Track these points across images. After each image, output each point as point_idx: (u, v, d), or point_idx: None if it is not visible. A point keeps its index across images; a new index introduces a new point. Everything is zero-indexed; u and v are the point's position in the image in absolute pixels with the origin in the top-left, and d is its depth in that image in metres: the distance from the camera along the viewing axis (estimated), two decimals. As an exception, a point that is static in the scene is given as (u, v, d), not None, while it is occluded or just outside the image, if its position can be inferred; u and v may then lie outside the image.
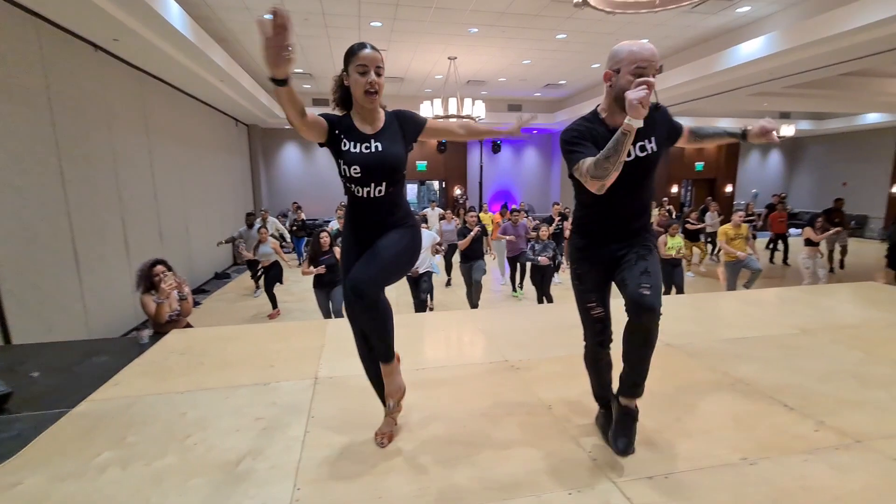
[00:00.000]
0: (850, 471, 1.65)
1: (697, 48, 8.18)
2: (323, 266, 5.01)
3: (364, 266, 1.66)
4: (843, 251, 9.05)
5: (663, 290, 6.23)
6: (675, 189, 16.20)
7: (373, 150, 1.67)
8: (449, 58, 8.95)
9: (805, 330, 3.19)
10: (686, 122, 1.86)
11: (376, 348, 1.77)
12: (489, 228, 11.20)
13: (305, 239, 10.59)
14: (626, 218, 1.67)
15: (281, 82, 1.38)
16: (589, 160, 1.49)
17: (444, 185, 15.77)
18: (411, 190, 19.71)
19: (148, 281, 3.36)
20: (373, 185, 1.68)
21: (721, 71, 7.49)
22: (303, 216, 10.54)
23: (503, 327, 3.29)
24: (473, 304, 6.17)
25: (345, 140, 1.67)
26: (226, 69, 7.15)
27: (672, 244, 6.38)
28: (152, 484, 1.59)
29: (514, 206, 11.98)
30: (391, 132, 1.72)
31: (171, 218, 7.32)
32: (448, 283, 8.06)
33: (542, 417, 2.05)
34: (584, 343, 1.84)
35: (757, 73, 7.49)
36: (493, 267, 7.95)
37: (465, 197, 14.68)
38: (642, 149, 1.59)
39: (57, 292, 4.48)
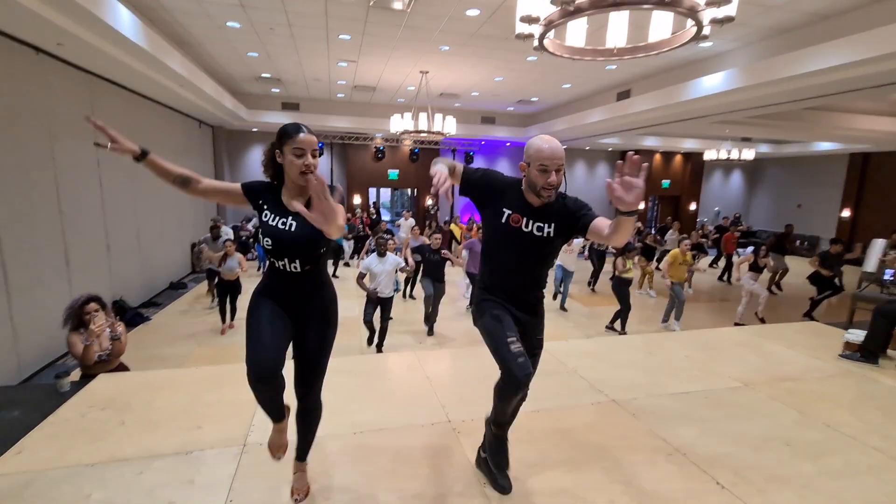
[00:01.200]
0: (770, 570, 1.65)
1: (663, 76, 8.36)
2: None
3: (304, 383, 1.80)
4: (783, 274, 9.47)
5: (624, 311, 6.48)
6: (641, 206, 16.55)
7: (287, 227, 1.67)
8: (421, 71, 8.86)
9: (747, 383, 3.25)
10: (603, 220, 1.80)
11: (300, 445, 1.95)
12: (459, 238, 11.24)
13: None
14: (517, 285, 1.85)
15: (136, 159, 1.61)
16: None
17: (415, 194, 15.64)
18: (384, 194, 19.54)
19: (77, 319, 3.14)
20: (286, 259, 1.69)
21: (685, 101, 7.67)
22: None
23: (450, 375, 3.23)
24: (428, 320, 6.18)
25: (266, 211, 1.72)
26: (185, 75, 6.83)
27: (630, 266, 6.56)
28: None
29: (478, 223, 12.02)
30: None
31: (120, 229, 6.95)
32: (407, 297, 8.01)
33: (473, 500, 1.98)
34: (499, 379, 1.84)
35: (718, 105, 7.71)
36: (462, 278, 7.90)
37: (436, 208, 14.60)
38: (539, 229, 1.77)
39: (-20, 317, 4.16)
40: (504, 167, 16.12)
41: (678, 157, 16.93)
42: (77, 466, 2.10)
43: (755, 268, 7.04)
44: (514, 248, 1.80)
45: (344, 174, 14.59)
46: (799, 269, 10.38)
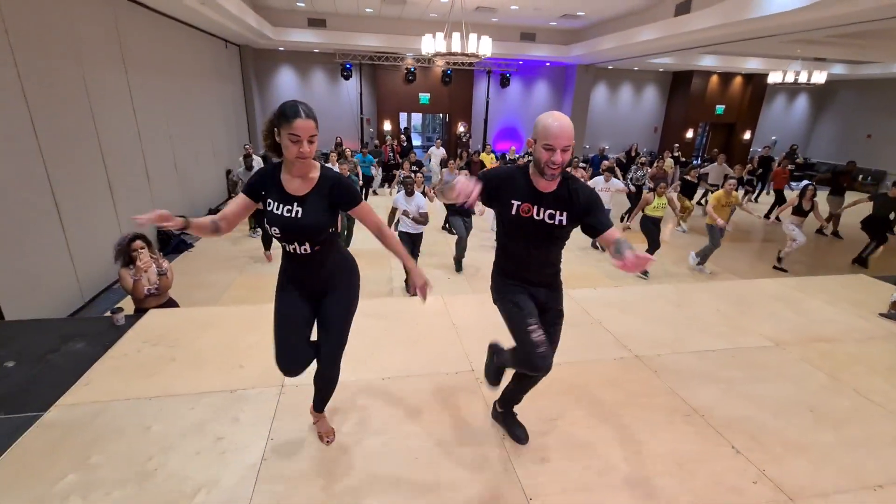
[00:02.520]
0: (774, 537, 1.73)
1: (732, -13, 7.30)
2: None
3: (326, 353, 1.86)
4: (836, 219, 8.55)
5: (652, 251, 6.30)
6: (689, 134, 15.42)
7: (293, 214, 1.67)
8: (455, -17, 8.07)
9: (777, 342, 3.19)
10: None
11: (317, 400, 2.06)
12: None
13: None
14: (534, 269, 1.84)
15: (182, 230, 1.61)
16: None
17: (447, 120, 15.05)
18: (415, 119, 18.90)
19: (126, 256, 3.33)
20: (296, 244, 1.71)
21: (755, 18, 6.75)
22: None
23: (475, 322, 3.31)
24: (457, 257, 6.24)
25: (270, 200, 1.70)
26: (206, -7, 6.49)
27: (657, 204, 6.25)
28: (110, 519, 1.69)
29: (510, 157, 11.53)
30: (318, 197, 1.69)
31: (158, 156, 7.10)
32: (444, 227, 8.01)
33: (492, 450, 2.12)
34: (516, 363, 1.90)
35: (794, 24, 6.77)
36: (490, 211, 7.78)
37: (468, 135, 14.08)
38: (550, 216, 1.72)
39: (40, 246, 4.47)
40: (542, 90, 15.14)
41: (737, 80, 15.34)
42: (137, 399, 2.35)
43: (799, 211, 6.45)
44: (527, 237, 1.77)
45: (373, 98, 14.08)
46: (858, 207, 9.62)
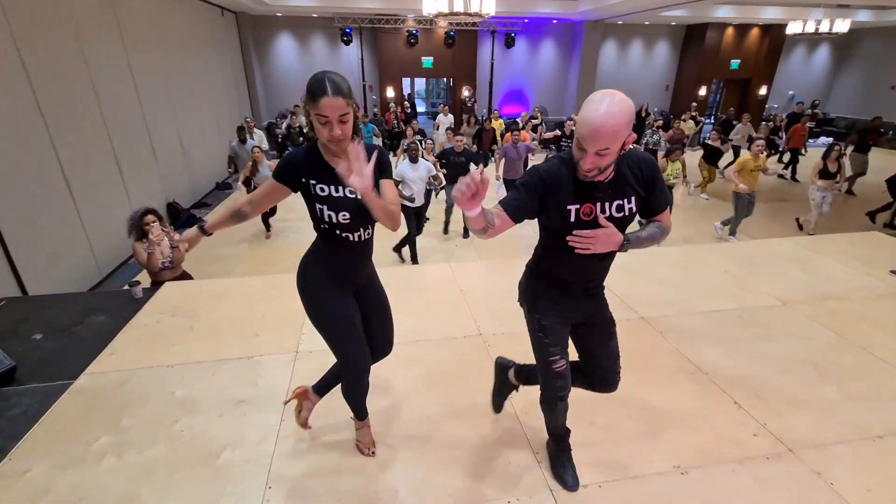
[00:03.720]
0: (772, 485, 1.80)
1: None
2: None
3: (383, 342, 1.83)
4: (854, 178, 8.26)
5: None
6: (702, 91, 14.91)
7: (358, 195, 1.42)
8: (457, -63, 7.70)
9: (785, 301, 3.20)
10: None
11: (359, 409, 1.90)
12: (499, 134, 10.63)
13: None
14: (582, 276, 1.54)
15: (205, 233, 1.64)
16: (491, 213, 1.34)
17: (451, 84, 14.69)
18: (419, 84, 18.47)
19: (139, 230, 3.40)
20: (362, 229, 1.54)
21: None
22: (299, 121, 10.04)
23: (482, 288, 3.36)
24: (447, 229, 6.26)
25: (320, 185, 1.46)
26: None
27: (671, 171, 6.12)
28: (143, 476, 1.81)
29: (517, 120, 11.23)
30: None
31: (162, 132, 7.09)
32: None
33: (504, 407, 2.19)
34: (540, 389, 1.70)
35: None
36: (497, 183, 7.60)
37: (473, 99, 13.76)
38: (619, 209, 1.41)
39: (56, 224, 4.57)
40: (548, 50, 14.64)
41: (754, 32, 14.65)
42: (160, 367, 2.46)
43: (826, 174, 6.04)
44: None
45: (375, 64, 13.74)
46: (883, 161, 9.26)
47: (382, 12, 11.95)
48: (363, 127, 9.79)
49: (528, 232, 6.41)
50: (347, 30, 12.65)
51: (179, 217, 7.00)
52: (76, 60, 5.06)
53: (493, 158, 9.45)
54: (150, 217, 3.41)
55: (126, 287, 3.27)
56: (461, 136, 6.02)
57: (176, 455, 1.91)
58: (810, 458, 1.92)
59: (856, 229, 5.50)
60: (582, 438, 2.01)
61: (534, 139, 9.13)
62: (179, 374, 2.40)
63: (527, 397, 2.18)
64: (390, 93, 13.67)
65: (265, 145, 8.78)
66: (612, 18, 13.11)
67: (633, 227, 1.49)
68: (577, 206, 1.38)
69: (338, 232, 1.51)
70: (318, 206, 1.48)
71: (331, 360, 1.82)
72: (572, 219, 1.39)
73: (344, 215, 1.47)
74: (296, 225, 6.85)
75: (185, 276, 3.69)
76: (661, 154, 7.04)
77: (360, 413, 1.92)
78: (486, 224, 1.31)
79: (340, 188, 1.47)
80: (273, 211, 6.56)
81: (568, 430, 1.84)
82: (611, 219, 1.40)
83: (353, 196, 1.47)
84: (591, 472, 1.85)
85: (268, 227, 6.54)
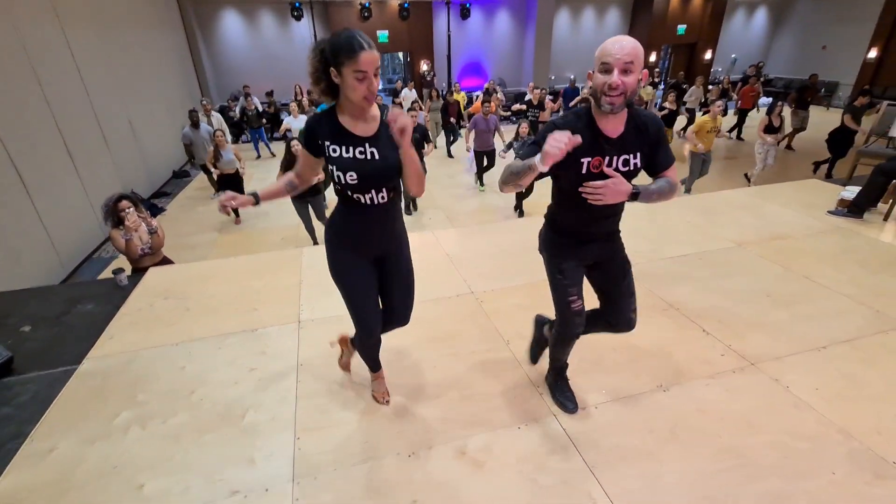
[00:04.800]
0: (739, 392, 2.09)
1: None
2: None
3: (403, 310, 1.85)
4: (797, 131, 8.98)
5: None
6: (653, 57, 15.39)
7: (368, 156, 1.51)
8: None
9: (740, 243, 3.54)
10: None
11: (372, 362, 2.05)
12: (462, 106, 10.59)
13: (263, 129, 9.98)
14: (600, 225, 1.67)
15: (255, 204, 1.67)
16: (510, 165, 1.51)
17: (409, 59, 14.47)
18: (374, 60, 18.00)
19: (115, 216, 3.32)
20: (374, 191, 1.55)
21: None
22: (254, 104, 9.68)
23: (468, 252, 3.51)
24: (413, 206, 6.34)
25: (333, 146, 1.51)
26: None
27: None
28: (173, 442, 1.89)
29: (484, 91, 11.26)
30: (387, 134, 1.51)
31: (111, 119, 6.71)
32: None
33: (500, 353, 2.39)
34: (554, 326, 1.87)
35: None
36: (466, 155, 7.70)
37: (432, 73, 13.65)
38: (625, 163, 1.52)
39: (13, 221, 4.34)
40: (504, 19, 14.63)
41: (698, -2, 15.17)
42: (164, 346, 2.49)
43: (771, 129, 6.51)
44: None
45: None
46: (819, 118, 9.89)
47: (333, -15, 11.55)
48: (325, 107, 9.46)
49: (503, 204, 6.61)
50: (297, 3, 12.17)
51: (139, 206, 6.71)
52: (14, 46, 4.72)
53: (461, 132, 9.46)
54: (124, 203, 3.33)
55: (111, 275, 3.21)
56: (414, 112, 6.02)
57: (200, 420, 1.99)
58: (769, 369, 2.23)
59: (797, 179, 6.00)
60: (573, 371, 2.23)
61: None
62: (185, 351, 2.45)
63: (526, 344, 2.39)
64: (347, 70, 13.32)
65: (223, 126, 8.48)
66: (564, -14, 13.22)
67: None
68: (589, 158, 1.48)
69: (349, 193, 1.56)
70: (331, 166, 1.53)
71: (334, 323, 1.93)
72: (584, 170, 1.50)
73: (351, 175, 1.50)
74: (263, 210, 6.74)
75: (167, 262, 3.64)
76: None
77: (373, 365, 2.06)
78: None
79: (350, 149, 1.51)
80: (239, 190, 6.39)
81: (566, 364, 2.05)
82: (616, 171, 1.51)
83: (361, 157, 1.51)
84: (585, 397, 2.08)
85: (236, 213, 6.40)
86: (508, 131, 7.19)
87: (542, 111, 8.38)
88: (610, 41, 1.39)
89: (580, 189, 1.50)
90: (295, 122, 7.55)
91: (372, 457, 1.81)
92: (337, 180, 1.53)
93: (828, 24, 14.99)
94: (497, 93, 9.99)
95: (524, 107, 8.84)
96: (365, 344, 1.94)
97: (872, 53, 13.53)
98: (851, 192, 4.03)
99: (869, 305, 2.71)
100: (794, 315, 2.65)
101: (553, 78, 15.04)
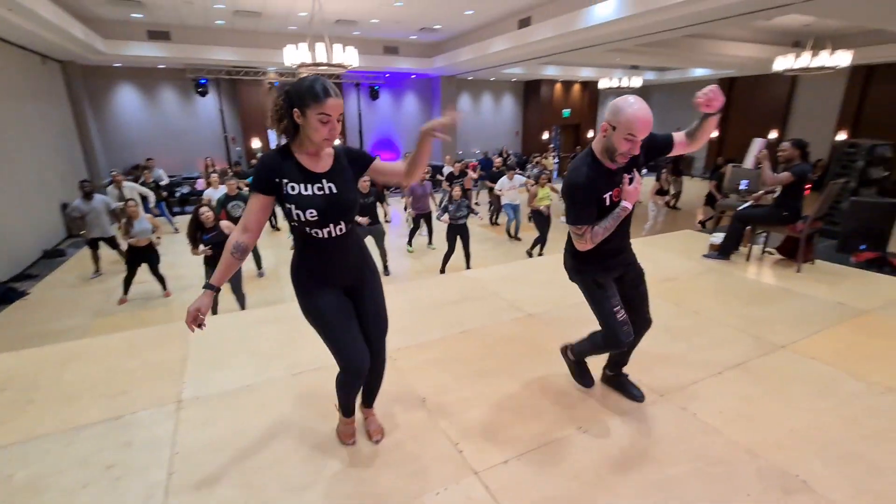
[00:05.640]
0: (653, 424, 2.10)
1: (561, 2, 8.47)
2: (209, 247, 4.41)
3: (375, 345, 1.77)
4: (678, 196, 10.71)
5: (540, 239, 7.01)
6: (545, 135, 17.30)
7: (327, 191, 1.55)
8: (313, -6, 8.03)
9: (636, 286, 3.80)
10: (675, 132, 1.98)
11: (368, 395, 1.98)
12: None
13: (164, 203, 9.29)
14: (623, 243, 1.95)
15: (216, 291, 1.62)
16: (592, 231, 1.80)
17: (321, 134, 14.73)
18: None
19: None
20: (332, 225, 1.58)
21: (580, 29, 7.92)
22: (155, 176, 9.03)
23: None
24: (384, 269, 6.39)
25: (291, 184, 1.53)
26: (12, -5, 5.55)
27: (542, 194, 6.97)
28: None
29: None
30: (341, 170, 1.61)
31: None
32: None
33: (416, 413, 2.20)
34: (600, 335, 2.07)
35: (610, 33, 8.07)
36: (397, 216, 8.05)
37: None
38: (630, 182, 1.82)
39: None
40: (411, 101, 15.69)
41: (577, 86, 17.65)
42: (-13, 452, 1.94)
43: (661, 192, 8.04)
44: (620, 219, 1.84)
45: (237, 115, 13.24)
46: (686, 184, 11.74)
47: (240, 64, 11.69)
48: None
49: (430, 263, 6.60)
50: (202, 80, 12.05)
51: (-8, 292, 5.68)
52: None
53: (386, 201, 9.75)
54: None
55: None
56: (365, 178, 6.13)
57: (25, 544, 1.51)
58: (676, 399, 2.29)
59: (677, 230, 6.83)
60: (489, 424, 2.11)
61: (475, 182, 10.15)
62: (19, 454, 1.93)
63: (441, 399, 2.23)
64: (256, 143, 13.19)
65: (144, 190, 7.83)
66: (462, 74, 14.68)
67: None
68: (610, 192, 1.80)
69: (308, 229, 1.57)
70: (287, 205, 1.53)
71: (228, 398, 1.66)
72: (608, 204, 1.81)
73: (311, 213, 1.52)
74: (189, 282, 6.04)
75: None
76: (531, 181, 8.05)
77: (346, 409, 1.93)
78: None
79: (309, 186, 1.53)
80: (155, 268, 5.64)
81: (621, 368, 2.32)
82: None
83: (320, 193, 1.54)
84: (503, 448, 1.94)
85: (126, 288, 5.63)
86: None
87: (464, 178, 9.18)
88: (641, 118, 1.67)
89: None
90: (216, 193, 7.10)
91: (262, 556, 1.47)
92: (295, 218, 1.54)
93: (680, 109, 18.10)
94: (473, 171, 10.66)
95: (471, 178, 9.66)
96: (349, 386, 1.79)
97: (715, 133, 16.45)
98: (719, 237, 4.61)
99: (749, 332, 2.97)
100: (690, 346, 2.81)
101: (461, 153, 16.14)
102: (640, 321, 2.09)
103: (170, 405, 2.25)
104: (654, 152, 1.92)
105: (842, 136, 12.70)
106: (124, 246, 5.55)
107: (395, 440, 2.01)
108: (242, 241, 1.57)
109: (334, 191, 1.56)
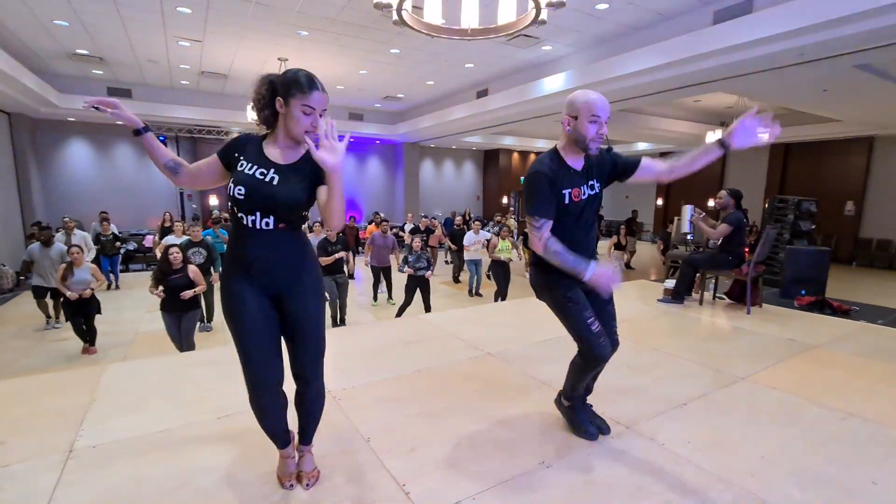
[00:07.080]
0: (622, 456, 1.92)
1: (515, 76, 9.20)
2: (163, 290, 4.25)
3: (305, 366, 1.58)
4: (632, 254, 11.10)
5: (500, 292, 6.96)
6: (505, 200, 17.99)
7: (266, 178, 1.45)
8: (279, 59, 8.36)
9: (596, 327, 3.73)
10: (657, 162, 1.94)
11: (304, 429, 1.70)
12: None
13: (119, 256, 8.75)
14: (585, 249, 1.80)
15: (135, 132, 1.52)
16: (550, 237, 1.75)
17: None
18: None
19: None
20: (258, 214, 1.45)
21: (532, 99, 8.54)
22: (111, 229, 8.47)
23: (331, 350, 3.09)
24: (340, 320, 6.09)
25: (243, 160, 1.49)
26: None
27: (502, 246, 7.03)
28: None
29: (382, 219, 11.91)
30: (299, 171, 1.49)
31: None
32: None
33: (359, 454, 1.92)
34: (578, 356, 1.99)
35: (560, 104, 8.71)
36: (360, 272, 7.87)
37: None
38: (592, 188, 1.81)
39: None
40: (374, 165, 16.08)
41: (532, 156, 18.75)
42: None
43: (619, 246, 8.81)
44: (578, 219, 1.81)
45: (195, 173, 13.02)
46: (641, 249, 12.38)
47: (203, 124, 11.72)
48: (213, 233, 7.73)
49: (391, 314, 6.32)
50: (161, 137, 11.91)
51: None
52: None
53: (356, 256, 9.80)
54: None
55: None
56: (312, 232, 6.24)
57: None
58: (644, 430, 2.13)
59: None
60: (444, 461, 1.87)
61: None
62: None
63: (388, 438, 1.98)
64: (214, 201, 12.91)
65: (90, 244, 7.30)
66: (425, 141, 15.34)
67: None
68: (570, 190, 1.75)
69: (235, 210, 1.48)
70: (232, 178, 1.48)
71: (130, 446, 1.37)
72: (567, 201, 1.75)
73: (240, 189, 1.43)
74: (127, 338, 5.43)
75: None
76: (494, 235, 8.15)
77: (275, 440, 1.66)
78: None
79: (254, 168, 1.47)
80: (91, 320, 5.17)
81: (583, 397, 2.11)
82: (588, 197, 1.81)
83: (260, 177, 1.45)
84: (464, 487, 1.69)
85: (92, 341, 5.22)
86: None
87: (431, 235, 9.54)
88: (597, 98, 1.69)
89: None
90: (179, 241, 6.72)
91: None
92: (228, 192, 1.47)
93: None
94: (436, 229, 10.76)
95: (439, 238, 10.02)
96: (257, 404, 1.56)
97: (659, 201, 17.69)
98: (670, 283, 4.71)
99: (709, 366, 2.91)
100: (653, 379, 2.70)
101: (424, 216, 16.40)
102: (609, 341, 1.96)
103: (55, 456, 1.86)
104: (620, 168, 1.90)
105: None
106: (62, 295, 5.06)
107: (334, 484, 1.72)
108: (179, 169, 1.57)
109: (274, 182, 1.45)
